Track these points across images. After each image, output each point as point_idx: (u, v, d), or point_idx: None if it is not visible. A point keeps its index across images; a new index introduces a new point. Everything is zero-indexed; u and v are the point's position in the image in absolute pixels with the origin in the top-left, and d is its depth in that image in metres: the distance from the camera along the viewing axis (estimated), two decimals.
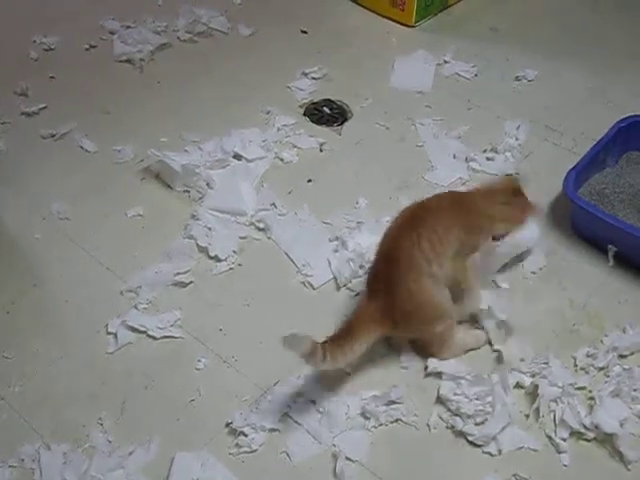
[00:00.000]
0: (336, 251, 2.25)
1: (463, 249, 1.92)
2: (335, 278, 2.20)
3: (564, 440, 1.82)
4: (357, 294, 2.15)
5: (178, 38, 3.17)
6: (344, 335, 1.81)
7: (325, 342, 1.79)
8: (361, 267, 2.19)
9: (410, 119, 2.75)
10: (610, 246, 2.18)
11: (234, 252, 2.26)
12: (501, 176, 2.25)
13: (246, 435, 1.82)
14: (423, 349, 1.98)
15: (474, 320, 2.04)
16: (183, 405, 1.91)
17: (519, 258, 2.21)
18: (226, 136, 2.60)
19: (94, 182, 2.51)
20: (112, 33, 3.17)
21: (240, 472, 1.77)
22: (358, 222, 2.32)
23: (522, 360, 1.95)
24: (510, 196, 2.00)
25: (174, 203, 2.43)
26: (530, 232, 2.17)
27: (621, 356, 1.98)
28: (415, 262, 1.83)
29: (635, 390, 1.88)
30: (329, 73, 2.98)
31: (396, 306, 1.84)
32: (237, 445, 1.82)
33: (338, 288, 2.18)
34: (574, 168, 2.28)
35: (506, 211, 1.98)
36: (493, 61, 3.05)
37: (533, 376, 1.92)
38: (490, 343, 2.01)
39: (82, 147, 2.64)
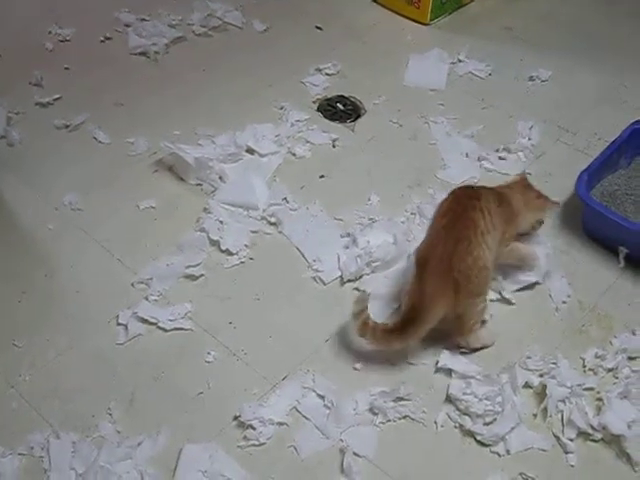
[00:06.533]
0: (347, 247, 2.25)
1: (503, 239, 2.01)
2: (341, 273, 2.20)
3: (571, 440, 1.82)
4: (361, 291, 2.14)
5: (193, 32, 3.17)
6: (410, 318, 1.86)
7: (382, 326, 1.88)
8: (367, 265, 2.20)
9: (423, 117, 2.75)
10: (621, 248, 2.19)
11: (245, 246, 2.27)
12: (513, 177, 2.26)
13: (254, 428, 1.83)
14: (458, 328, 1.96)
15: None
16: (192, 397, 1.92)
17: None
18: (239, 130, 2.61)
19: (107, 173, 2.52)
20: (127, 26, 3.17)
21: (248, 465, 1.78)
22: (370, 219, 2.32)
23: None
24: (528, 190, 2.16)
25: (186, 196, 2.44)
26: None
27: (630, 358, 1.98)
28: (480, 230, 1.89)
29: None
30: (343, 69, 2.98)
31: (461, 270, 1.85)
32: (245, 438, 1.82)
33: (342, 283, 2.19)
34: (586, 169, 2.28)
35: (533, 203, 2.14)
36: (507, 61, 3.04)
37: (541, 376, 1.93)
38: None
39: (95, 138, 2.65)
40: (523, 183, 2.17)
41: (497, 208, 1.97)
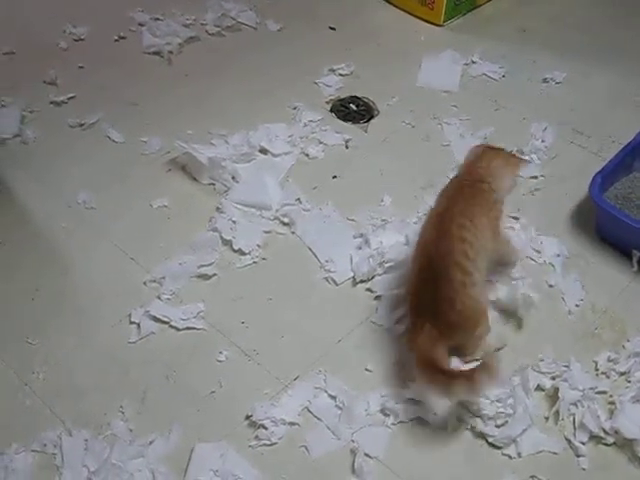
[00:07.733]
0: (359, 248, 2.25)
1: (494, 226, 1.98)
2: (353, 274, 2.20)
3: (583, 444, 1.82)
4: (373, 292, 2.16)
5: (206, 31, 3.18)
6: (424, 368, 1.81)
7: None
8: (380, 265, 2.20)
9: (436, 118, 2.75)
10: (634, 251, 2.18)
11: (258, 246, 2.27)
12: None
13: (266, 428, 1.83)
14: (462, 353, 1.94)
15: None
16: (204, 396, 1.92)
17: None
18: (252, 130, 2.61)
19: (120, 172, 2.53)
20: (141, 25, 3.18)
21: (259, 465, 1.78)
22: (383, 220, 2.32)
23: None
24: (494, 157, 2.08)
25: (199, 195, 2.44)
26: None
27: None
28: (469, 280, 1.84)
29: None
30: (356, 70, 2.98)
31: (452, 321, 1.83)
32: (257, 438, 1.83)
33: (355, 284, 2.19)
34: (600, 172, 2.28)
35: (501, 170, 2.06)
36: (521, 62, 3.04)
37: (554, 379, 1.92)
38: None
39: (109, 137, 2.66)
40: (487, 153, 2.09)
41: (474, 215, 1.92)
